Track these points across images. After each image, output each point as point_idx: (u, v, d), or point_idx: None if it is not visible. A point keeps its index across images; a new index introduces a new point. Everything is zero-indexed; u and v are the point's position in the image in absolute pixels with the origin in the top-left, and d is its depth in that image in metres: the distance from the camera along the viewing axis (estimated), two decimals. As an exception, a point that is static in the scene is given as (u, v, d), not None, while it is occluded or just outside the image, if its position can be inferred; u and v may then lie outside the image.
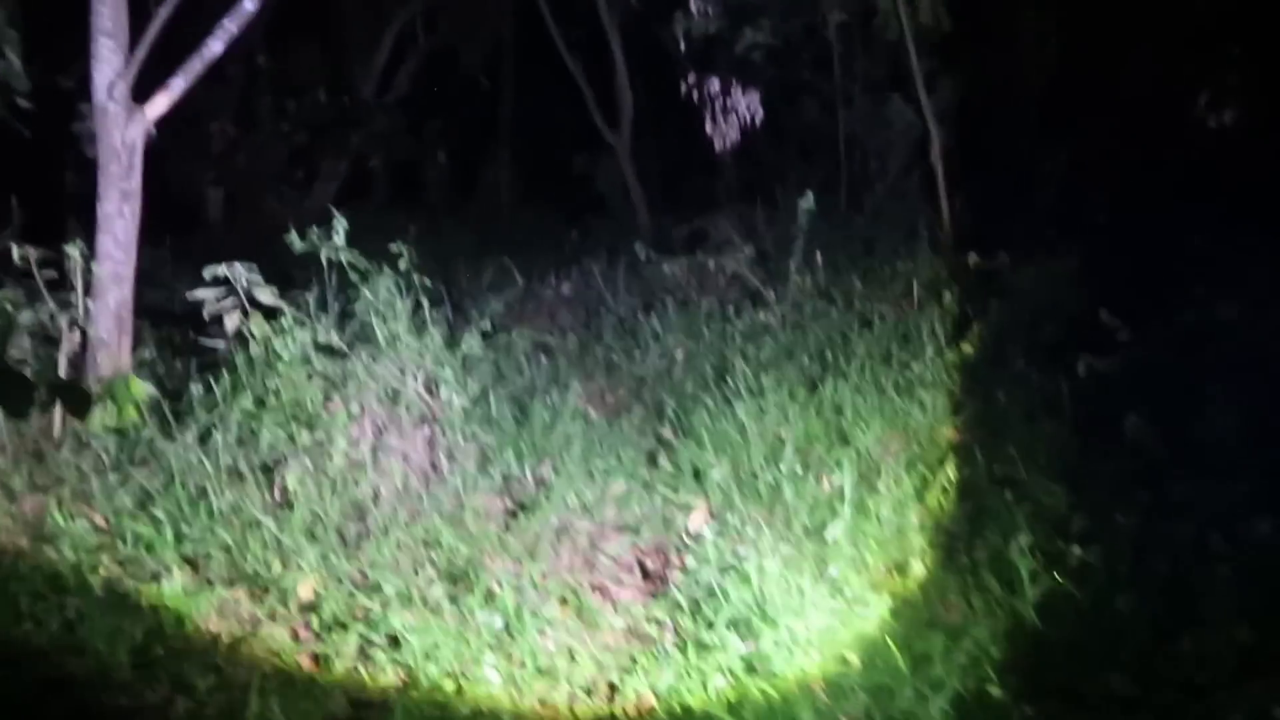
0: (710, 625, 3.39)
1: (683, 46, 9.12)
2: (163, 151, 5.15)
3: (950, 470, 4.23)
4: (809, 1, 8.87)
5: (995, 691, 2.98)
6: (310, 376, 4.34)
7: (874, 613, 3.42)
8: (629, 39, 9.99)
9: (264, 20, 5.21)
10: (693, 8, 8.89)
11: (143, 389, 4.02)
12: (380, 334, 4.50)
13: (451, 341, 4.75)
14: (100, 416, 4.02)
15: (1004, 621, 3.24)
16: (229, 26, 5.12)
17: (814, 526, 4.01)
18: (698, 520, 4.24)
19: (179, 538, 3.80)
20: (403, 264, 4.64)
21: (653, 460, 4.84)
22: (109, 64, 4.92)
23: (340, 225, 4.56)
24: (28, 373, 4.30)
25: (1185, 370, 4.62)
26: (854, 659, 3.21)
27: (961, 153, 8.12)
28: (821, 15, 8.87)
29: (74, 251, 4.78)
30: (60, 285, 4.83)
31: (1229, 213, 5.77)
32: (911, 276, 6.86)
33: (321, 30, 10.17)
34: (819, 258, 6.82)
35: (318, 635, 3.42)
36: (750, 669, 3.23)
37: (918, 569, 3.65)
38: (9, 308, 4.62)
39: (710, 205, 9.15)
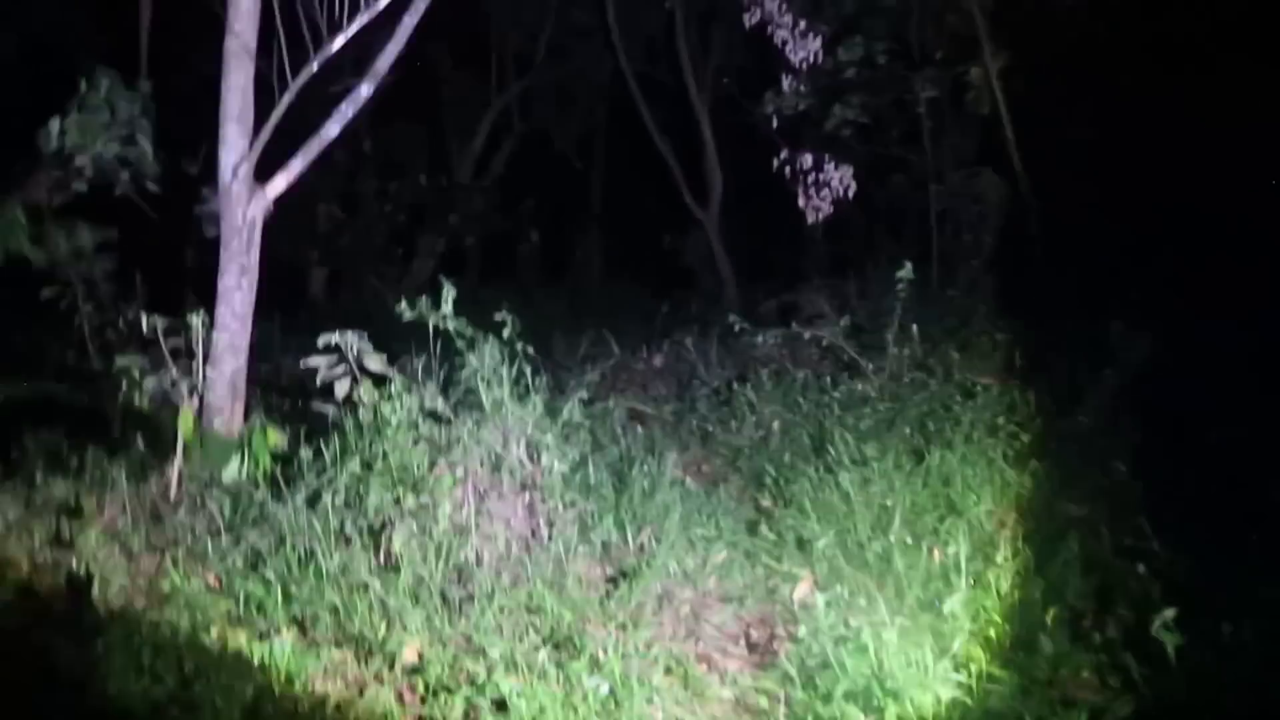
0: (828, 698, 3.24)
1: (773, 124, 9.22)
2: (271, 230, 5.39)
3: (1073, 543, 4.02)
4: (899, 78, 8.94)
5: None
6: (417, 441, 4.38)
7: (1004, 690, 3.22)
8: (718, 117, 10.17)
9: (368, 105, 5.47)
10: (783, 86, 9.02)
11: (278, 438, 4.11)
12: (485, 400, 4.54)
13: (552, 409, 4.78)
14: (236, 466, 4.11)
15: (1149, 701, 3.02)
16: (345, 110, 5.37)
17: (928, 599, 3.85)
18: (804, 590, 4.11)
19: (288, 598, 3.83)
20: (506, 332, 4.70)
21: (753, 529, 4.75)
22: (234, 148, 5.19)
23: (449, 294, 4.67)
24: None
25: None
26: (986, 737, 3.03)
27: (1060, 223, 7.98)
28: (913, 91, 8.92)
29: (195, 321, 4.99)
30: (180, 353, 5.04)
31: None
32: (1012, 347, 6.69)
33: (422, 115, 10.63)
34: (914, 329, 6.71)
35: (423, 698, 3.38)
36: (874, 744, 3.07)
37: (1046, 645, 3.44)
38: (136, 373, 4.83)
39: (798, 279, 9.14)
